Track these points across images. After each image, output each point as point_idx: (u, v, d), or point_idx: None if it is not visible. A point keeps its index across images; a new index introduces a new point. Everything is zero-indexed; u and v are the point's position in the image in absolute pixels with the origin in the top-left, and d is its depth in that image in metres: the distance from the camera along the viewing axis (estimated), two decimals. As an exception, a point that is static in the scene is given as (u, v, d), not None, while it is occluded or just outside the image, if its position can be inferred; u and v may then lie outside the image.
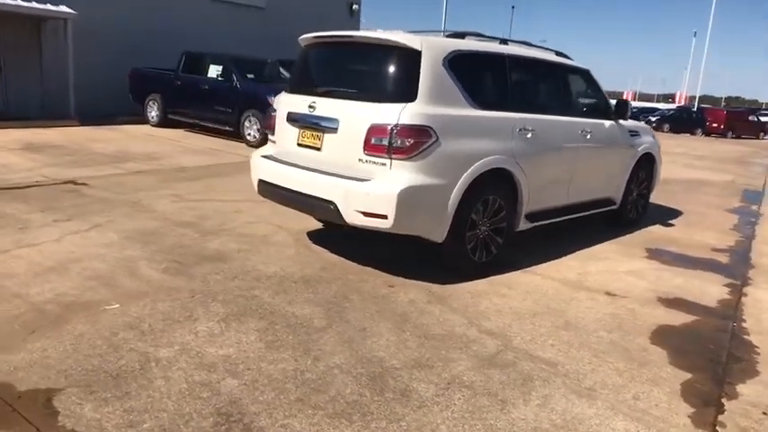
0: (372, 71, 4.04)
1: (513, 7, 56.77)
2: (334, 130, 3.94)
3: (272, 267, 4.25)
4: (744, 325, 3.81)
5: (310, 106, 4.09)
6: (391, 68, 3.91)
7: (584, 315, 3.76)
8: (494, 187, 4.20)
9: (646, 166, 6.20)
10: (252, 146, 10.62)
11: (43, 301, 3.40)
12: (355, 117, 3.85)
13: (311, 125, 4.11)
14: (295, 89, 4.46)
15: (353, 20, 20.74)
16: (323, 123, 4.01)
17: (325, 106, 4.02)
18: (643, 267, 4.88)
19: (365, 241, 4.87)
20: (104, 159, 8.31)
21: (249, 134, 10.79)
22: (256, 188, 4.59)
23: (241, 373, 2.76)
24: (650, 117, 29.26)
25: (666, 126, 28.55)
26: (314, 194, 3.96)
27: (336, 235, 5.12)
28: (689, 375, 3.06)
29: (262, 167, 4.50)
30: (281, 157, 4.43)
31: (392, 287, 4.00)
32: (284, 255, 4.57)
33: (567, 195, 5.11)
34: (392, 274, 4.22)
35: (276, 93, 10.44)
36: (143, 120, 12.57)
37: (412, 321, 3.47)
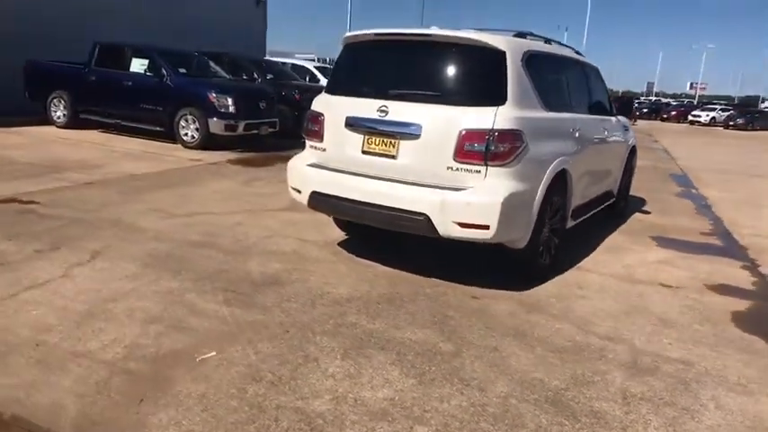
0: (454, 72, 3.79)
1: None
2: (415, 137, 3.65)
3: (341, 288, 3.87)
4: (793, 305, 4.17)
5: (381, 110, 3.74)
6: (477, 69, 3.70)
7: (665, 309, 3.87)
8: (557, 188, 4.18)
9: (630, 159, 6.58)
10: (190, 147, 9.72)
11: (119, 359, 2.79)
12: (442, 122, 3.60)
13: (383, 131, 3.77)
14: (348, 91, 4.06)
15: (260, 10, 19.79)
16: (400, 129, 3.70)
17: (402, 111, 3.70)
18: (667, 256, 5.17)
19: (403, 247, 4.67)
20: (34, 170, 7.09)
21: (186, 134, 9.81)
22: (306, 201, 4.12)
23: (422, 417, 2.46)
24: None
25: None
26: (396, 206, 3.65)
27: (369, 243, 4.83)
28: (800, 360, 3.26)
29: (313, 178, 4.06)
30: (336, 165, 4.03)
31: (477, 298, 3.83)
32: (339, 272, 4.19)
33: (593, 190, 5.25)
34: (464, 284, 4.04)
35: (215, 88, 9.82)
36: (45, 120, 10.92)
37: (530, 335, 3.34)
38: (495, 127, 3.49)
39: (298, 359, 2.89)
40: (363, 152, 3.88)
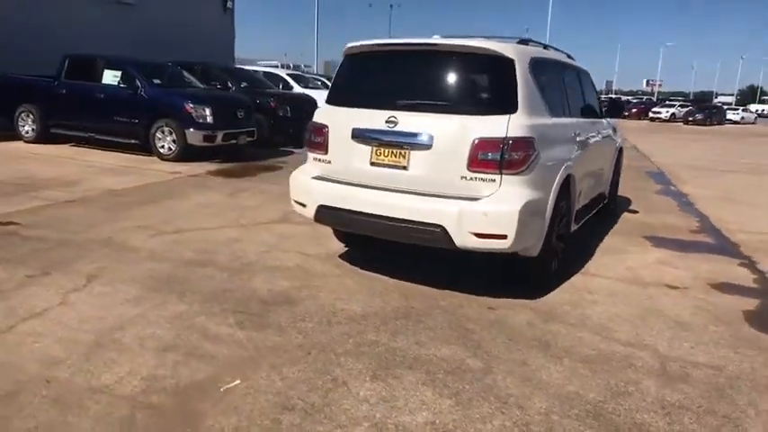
0: (464, 81, 3.73)
1: (391, 6, 57.16)
2: (427, 147, 3.58)
3: (354, 304, 3.77)
4: (797, 302, 4.24)
5: (389, 121, 3.66)
6: (488, 78, 3.67)
7: (678, 312, 3.89)
8: (563, 193, 4.17)
9: (618, 160, 6.66)
10: (167, 159, 9.44)
11: (138, 392, 2.63)
12: (454, 132, 3.54)
13: (393, 142, 3.69)
14: (353, 102, 3.96)
15: (227, 17, 19.47)
16: (411, 140, 3.62)
17: (411, 121, 3.63)
18: (664, 257, 5.22)
19: (406, 258, 4.60)
20: (7, 189, 6.74)
21: (162, 147, 9.51)
22: (313, 215, 4.01)
23: (467, 440, 2.39)
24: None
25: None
26: (410, 218, 3.57)
27: (370, 254, 4.75)
28: (817, 358, 3.31)
29: (320, 191, 3.94)
30: (342, 178, 3.93)
31: (493, 309, 3.78)
32: (347, 287, 4.09)
33: (590, 193, 5.29)
34: (476, 294, 3.98)
35: (192, 99, 9.57)
36: (12, 135, 10.46)
37: (554, 345, 3.30)
38: (508, 135, 3.45)
39: (326, 384, 2.78)
40: (372, 164, 3.79)
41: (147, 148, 9.71)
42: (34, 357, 2.90)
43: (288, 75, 15.18)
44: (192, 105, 9.38)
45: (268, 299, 3.81)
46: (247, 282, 4.11)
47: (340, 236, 4.91)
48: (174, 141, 9.45)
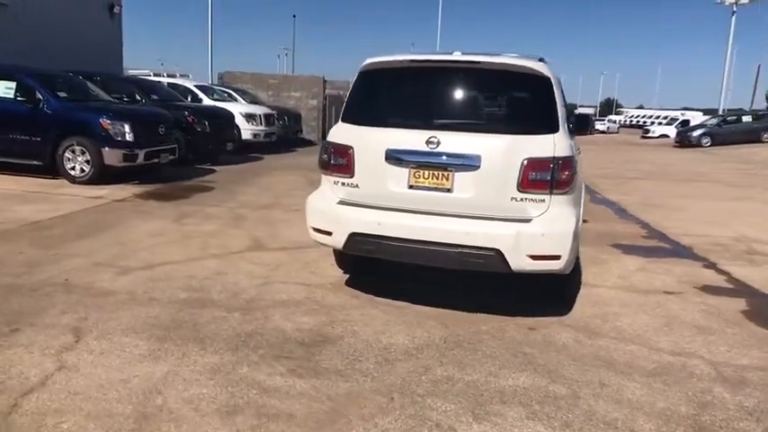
0: (507, 100, 3.66)
1: (294, 16, 56.88)
2: (475, 168, 3.44)
3: (399, 337, 3.52)
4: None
5: (430, 142, 3.48)
6: (530, 97, 3.63)
7: (692, 317, 4.12)
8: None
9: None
10: (79, 183, 8.37)
11: (232, 471, 2.19)
12: (501, 152, 3.44)
13: (435, 164, 3.50)
14: (382, 122, 3.71)
15: (114, 23, 17.87)
16: (457, 161, 3.46)
17: (455, 141, 3.47)
18: (641, 265, 5.52)
19: (413, 280, 4.45)
20: None
21: (73, 168, 8.42)
22: (342, 244, 3.68)
23: (613, 476, 2.28)
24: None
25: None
26: (462, 243, 3.40)
27: (375, 279, 4.53)
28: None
29: (351, 217, 3.63)
30: (374, 202, 3.65)
31: (535, 329, 3.74)
32: (378, 318, 3.82)
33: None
34: (509, 315, 3.91)
35: (107, 114, 8.56)
36: None
37: (616, 362, 3.32)
38: (556, 155, 3.44)
39: (434, 431, 2.53)
40: (410, 187, 3.58)
41: (51, 171, 8.55)
42: (72, 443, 2.32)
43: (196, 86, 14.22)
44: (108, 121, 8.41)
45: (303, 339, 3.43)
46: (266, 321, 3.69)
47: (342, 263, 4.60)
48: (87, 162, 8.40)
